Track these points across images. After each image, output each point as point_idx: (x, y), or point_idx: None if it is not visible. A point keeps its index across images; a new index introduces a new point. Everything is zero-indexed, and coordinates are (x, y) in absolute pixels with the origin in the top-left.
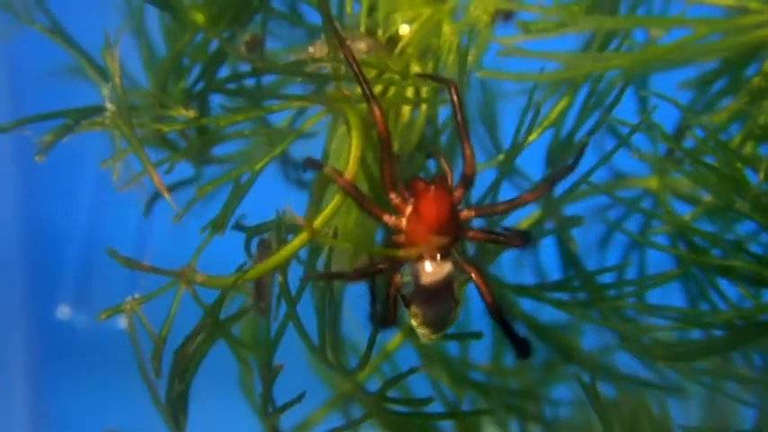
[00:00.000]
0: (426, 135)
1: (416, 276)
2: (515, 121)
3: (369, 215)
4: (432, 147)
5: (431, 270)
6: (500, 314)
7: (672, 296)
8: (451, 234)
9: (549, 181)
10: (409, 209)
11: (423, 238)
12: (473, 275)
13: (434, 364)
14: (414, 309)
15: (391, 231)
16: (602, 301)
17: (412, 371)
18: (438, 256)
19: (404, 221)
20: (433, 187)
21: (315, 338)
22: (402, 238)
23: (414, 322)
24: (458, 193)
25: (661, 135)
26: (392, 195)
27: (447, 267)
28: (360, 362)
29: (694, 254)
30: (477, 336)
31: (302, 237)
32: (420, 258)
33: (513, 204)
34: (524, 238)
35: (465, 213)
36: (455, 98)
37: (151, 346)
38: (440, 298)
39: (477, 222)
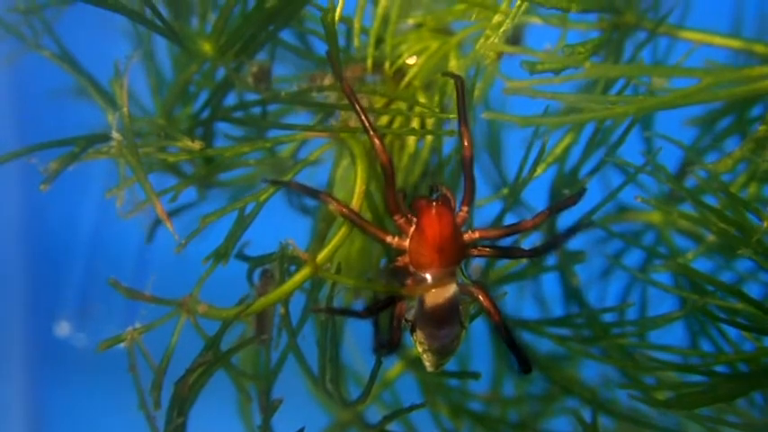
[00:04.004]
0: (431, 166)
1: (421, 299)
2: (521, 152)
3: (372, 238)
4: (435, 180)
5: (435, 290)
6: (508, 332)
7: (673, 330)
8: (455, 252)
9: (550, 209)
10: (412, 228)
11: (426, 256)
12: (480, 296)
13: (434, 394)
14: (419, 335)
15: (394, 253)
16: (604, 338)
17: (413, 407)
18: (441, 276)
19: (407, 241)
20: (435, 204)
21: (315, 366)
22: (406, 259)
23: (419, 349)
24: (461, 213)
25: (665, 177)
26: (396, 217)
27: (452, 289)
28: (361, 394)
29: (696, 293)
30: (476, 376)
31: (305, 271)
32: (424, 281)
33: (515, 228)
34: (532, 251)
35: (469, 234)
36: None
37: (148, 365)
38: (445, 322)
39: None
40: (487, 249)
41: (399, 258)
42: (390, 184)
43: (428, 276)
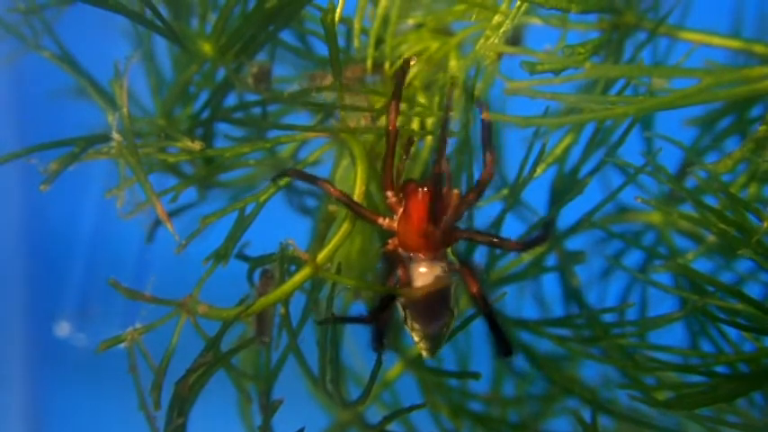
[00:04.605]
0: (430, 167)
1: (411, 282)
2: (521, 150)
3: (365, 221)
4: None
5: (424, 271)
6: (485, 304)
7: (673, 331)
8: (441, 237)
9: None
10: (401, 210)
11: (413, 239)
12: (459, 269)
13: (434, 394)
14: (410, 322)
15: (386, 235)
16: (604, 338)
17: (413, 408)
18: (431, 258)
19: (396, 223)
20: (423, 187)
21: (316, 366)
22: (396, 241)
23: (414, 338)
24: (450, 196)
25: (665, 177)
26: (389, 193)
27: (440, 269)
28: (361, 394)
29: (696, 294)
30: (476, 376)
31: (305, 272)
32: (413, 262)
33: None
34: (522, 244)
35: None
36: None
37: (148, 366)
38: (435, 306)
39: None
40: (476, 234)
41: (390, 241)
42: (390, 155)
43: (412, 256)
